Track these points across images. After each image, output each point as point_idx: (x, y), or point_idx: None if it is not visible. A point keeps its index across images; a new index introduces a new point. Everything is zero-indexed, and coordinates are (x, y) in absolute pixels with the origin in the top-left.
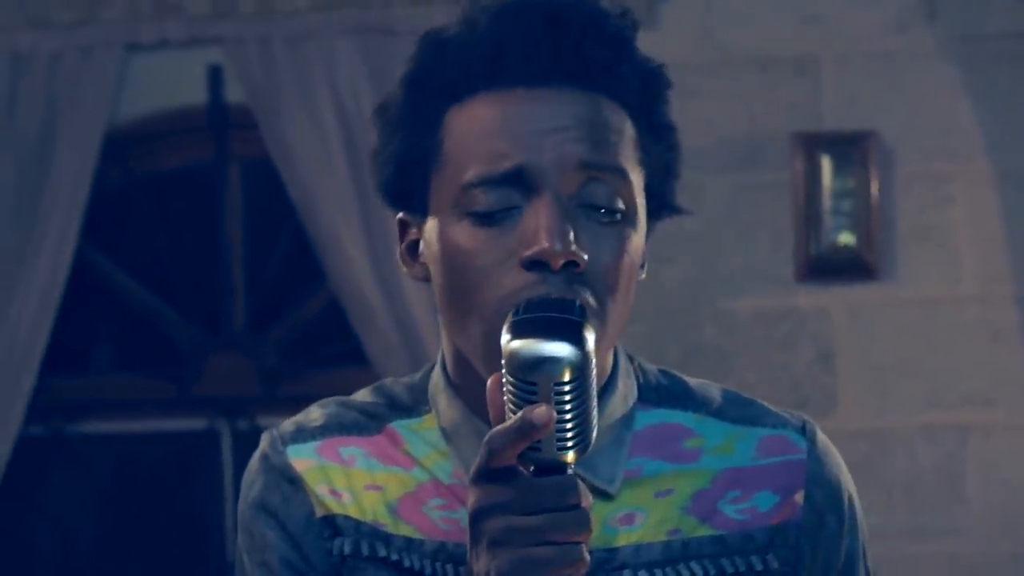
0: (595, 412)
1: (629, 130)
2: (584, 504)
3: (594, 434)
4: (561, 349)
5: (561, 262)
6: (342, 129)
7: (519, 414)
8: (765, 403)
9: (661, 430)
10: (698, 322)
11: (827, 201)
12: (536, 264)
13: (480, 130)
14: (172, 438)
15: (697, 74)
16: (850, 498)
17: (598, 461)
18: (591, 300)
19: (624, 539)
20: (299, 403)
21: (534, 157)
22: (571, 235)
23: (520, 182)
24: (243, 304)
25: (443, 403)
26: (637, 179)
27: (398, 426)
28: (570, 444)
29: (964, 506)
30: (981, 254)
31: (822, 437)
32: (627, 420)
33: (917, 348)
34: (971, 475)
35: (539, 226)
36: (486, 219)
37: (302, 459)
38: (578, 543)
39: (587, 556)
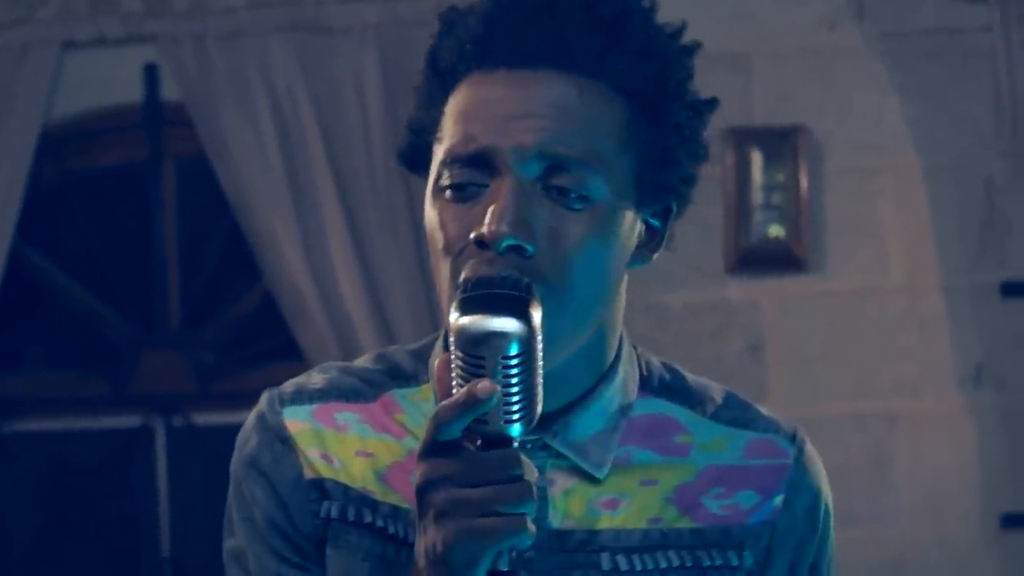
0: (541, 386)
1: (617, 115)
2: (528, 476)
3: (539, 408)
4: (508, 324)
5: (503, 245)
6: (277, 126)
7: (464, 388)
8: (761, 408)
9: (656, 421)
10: (630, 315)
11: (757, 195)
12: (483, 244)
13: (460, 111)
14: (106, 436)
15: None
16: (826, 510)
17: (589, 446)
18: (542, 282)
19: (606, 522)
20: (234, 400)
21: (496, 140)
22: (521, 219)
23: (485, 164)
24: (178, 301)
25: None
26: (619, 167)
27: (395, 394)
28: (516, 417)
29: (892, 493)
30: (908, 246)
31: (810, 448)
32: (625, 408)
33: (845, 338)
34: (899, 462)
35: (490, 207)
36: (453, 194)
37: (297, 421)
38: (522, 514)
39: (532, 527)
